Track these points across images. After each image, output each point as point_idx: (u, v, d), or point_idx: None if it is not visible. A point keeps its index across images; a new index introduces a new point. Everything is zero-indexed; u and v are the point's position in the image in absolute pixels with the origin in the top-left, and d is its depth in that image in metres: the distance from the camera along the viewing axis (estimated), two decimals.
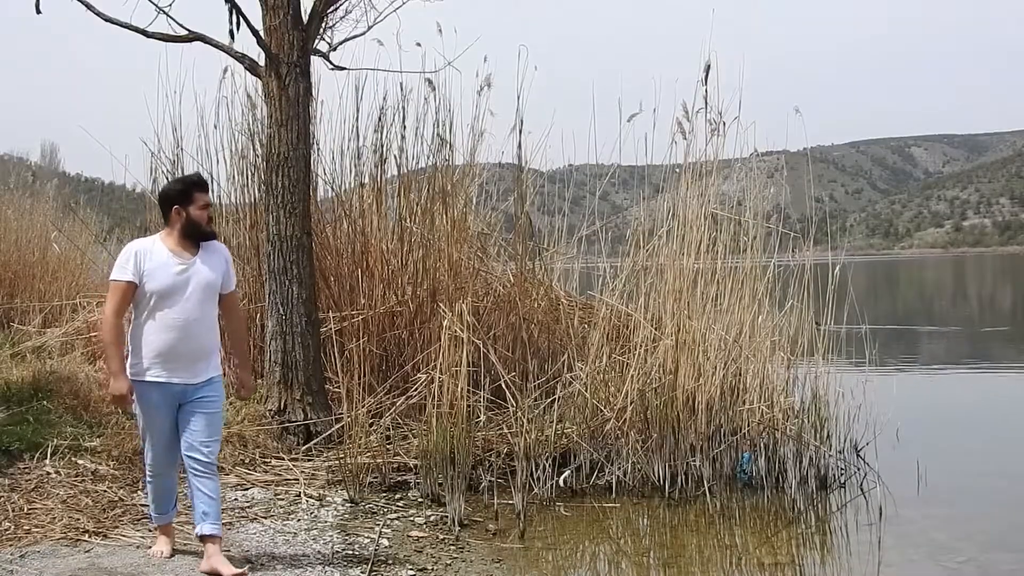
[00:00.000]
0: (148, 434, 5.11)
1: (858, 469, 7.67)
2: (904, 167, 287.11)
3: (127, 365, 5.00)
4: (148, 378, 4.97)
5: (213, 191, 9.72)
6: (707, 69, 7.96)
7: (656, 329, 7.69)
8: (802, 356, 7.93)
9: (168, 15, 7.53)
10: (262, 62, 7.67)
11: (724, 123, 8.04)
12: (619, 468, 7.23)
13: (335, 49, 8.19)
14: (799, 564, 6.19)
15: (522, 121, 8.91)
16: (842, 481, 7.54)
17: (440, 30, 8.79)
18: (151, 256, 4.98)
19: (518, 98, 8.85)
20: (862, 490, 7.41)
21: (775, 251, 8.33)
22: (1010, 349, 19.57)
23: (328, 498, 6.57)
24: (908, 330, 22.92)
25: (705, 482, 7.22)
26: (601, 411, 7.44)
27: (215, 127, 9.55)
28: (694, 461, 7.30)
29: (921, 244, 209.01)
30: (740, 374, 7.63)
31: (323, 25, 7.93)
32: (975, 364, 16.68)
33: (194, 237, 5.09)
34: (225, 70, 9.32)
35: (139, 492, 6.29)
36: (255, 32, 7.52)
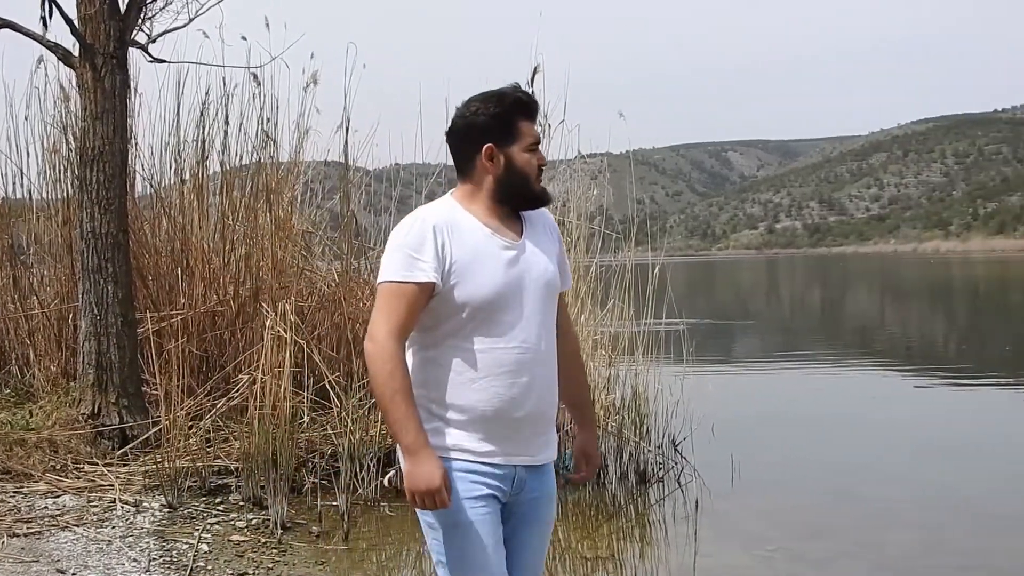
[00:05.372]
0: (466, 562, 2.81)
1: (676, 463, 7.90)
2: (721, 171, 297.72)
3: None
4: (467, 458, 2.80)
5: (22, 185, 9.33)
6: (534, 72, 8.07)
7: None
8: (623, 354, 8.12)
9: None
10: (76, 52, 7.40)
11: (550, 125, 8.16)
12: None
13: (155, 41, 7.97)
14: (619, 557, 6.34)
15: (349, 119, 8.86)
16: (660, 475, 7.76)
17: (268, 24, 8.66)
18: (459, 234, 2.81)
19: (345, 96, 8.80)
20: (679, 484, 7.64)
21: (598, 251, 8.50)
22: (820, 344, 20.48)
23: (145, 504, 6.38)
24: (725, 326, 23.75)
25: None
26: None
27: (25, 119, 9.16)
28: None
29: (737, 245, 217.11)
30: None
31: (142, 15, 7.70)
32: (788, 359, 17.41)
33: (521, 201, 2.94)
34: (39, 60, 8.94)
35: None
36: (69, 21, 7.26)
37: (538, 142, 2.95)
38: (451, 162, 3.04)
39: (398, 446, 2.82)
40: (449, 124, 2.98)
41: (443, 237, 2.78)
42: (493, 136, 2.87)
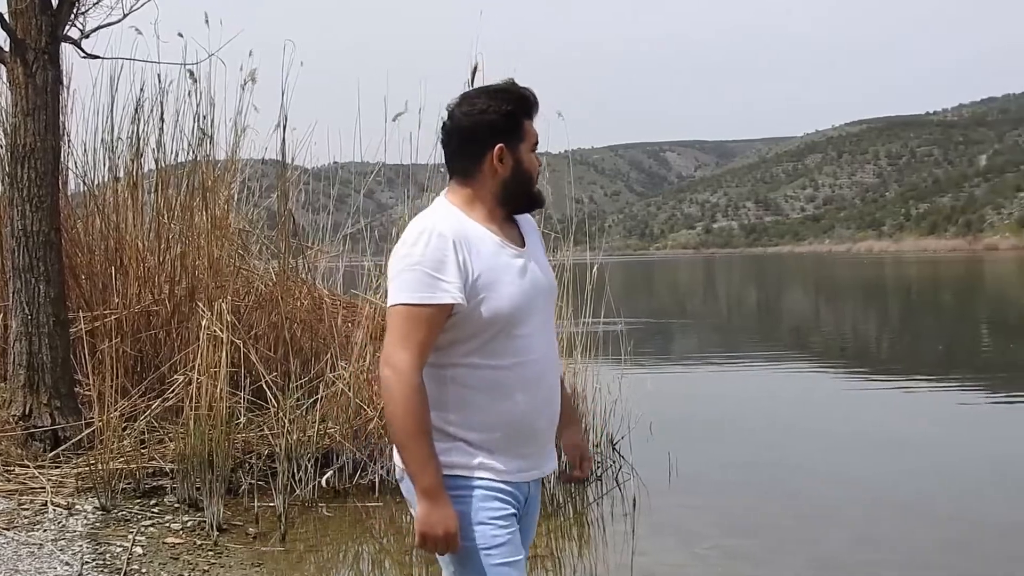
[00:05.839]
0: None
1: (614, 462, 7.95)
2: (659, 171, 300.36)
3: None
4: (491, 477, 2.65)
5: None
6: (474, 70, 8.06)
7: None
8: (561, 354, 8.14)
9: None
10: (7, 47, 7.28)
11: None
12: (382, 467, 7.22)
13: (88, 36, 7.85)
14: (558, 556, 6.36)
15: (286, 117, 8.79)
16: (599, 474, 7.80)
17: (207, 20, 8.57)
18: (475, 247, 2.62)
19: (283, 93, 8.73)
20: (617, 482, 7.68)
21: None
22: (756, 343, 20.71)
23: (78, 506, 6.28)
24: (664, 326, 23.93)
25: None
26: (364, 410, 7.42)
27: None
28: None
29: (675, 245, 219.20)
30: None
31: (75, 10, 7.58)
32: (726, 358, 17.59)
33: (522, 204, 2.79)
34: None
35: None
36: None
37: (538, 142, 2.79)
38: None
39: (406, 482, 2.68)
40: (448, 122, 2.74)
41: (463, 252, 2.57)
42: (504, 136, 2.68)
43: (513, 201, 2.73)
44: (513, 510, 2.69)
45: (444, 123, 2.74)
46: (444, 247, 2.56)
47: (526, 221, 2.84)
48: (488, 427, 2.63)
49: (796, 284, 53.78)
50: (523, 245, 2.74)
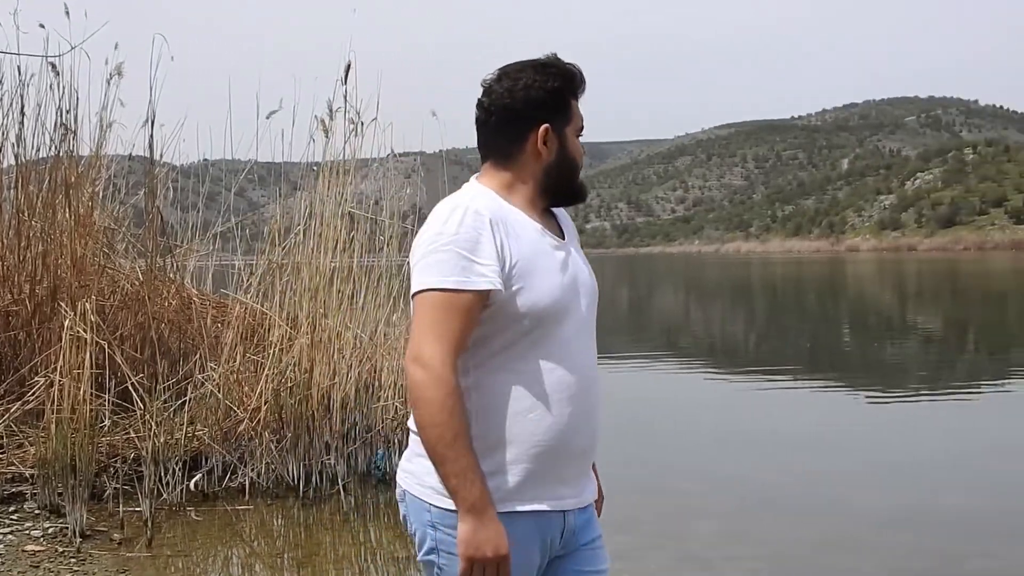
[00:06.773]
0: None
1: None
2: None
3: None
4: (514, 508, 2.28)
5: None
6: (347, 69, 8.02)
7: (291, 328, 7.65)
8: None
9: None
10: None
11: (363, 123, 8.13)
12: (252, 469, 7.13)
13: None
14: None
15: (154, 112, 8.58)
16: None
17: (68, 12, 8.31)
18: (513, 230, 2.32)
19: (151, 88, 8.52)
20: None
21: (410, 250, 8.47)
22: (627, 343, 21.01)
23: None
24: None
25: (340, 480, 7.26)
26: (234, 412, 7.30)
27: None
28: (329, 459, 7.32)
29: None
30: (375, 372, 7.73)
31: None
32: (600, 358, 17.78)
33: (565, 195, 2.49)
34: None
35: None
36: None
37: (583, 126, 2.47)
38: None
39: (413, 503, 2.37)
40: (485, 99, 2.42)
41: (501, 234, 2.26)
42: (549, 115, 2.38)
43: (556, 190, 2.43)
44: (537, 553, 2.35)
45: (480, 100, 2.44)
46: (480, 225, 2.25)
47: (562, 215, 2.54)
48: (512, 443, 2.28)
49: (668, 284, 54.79)
50: (563, 238, 2.45)
